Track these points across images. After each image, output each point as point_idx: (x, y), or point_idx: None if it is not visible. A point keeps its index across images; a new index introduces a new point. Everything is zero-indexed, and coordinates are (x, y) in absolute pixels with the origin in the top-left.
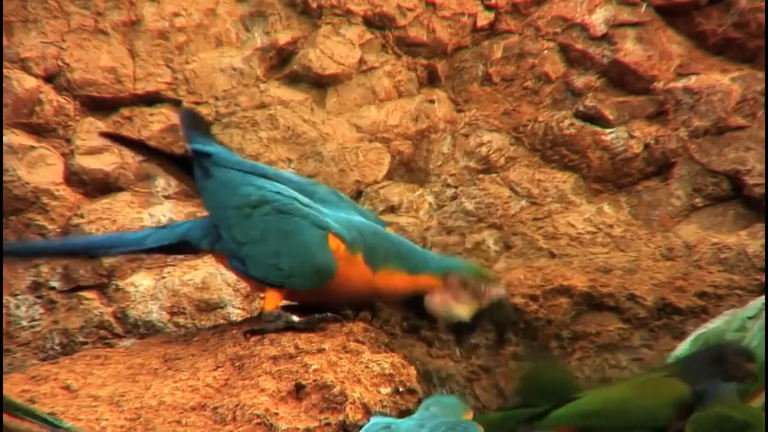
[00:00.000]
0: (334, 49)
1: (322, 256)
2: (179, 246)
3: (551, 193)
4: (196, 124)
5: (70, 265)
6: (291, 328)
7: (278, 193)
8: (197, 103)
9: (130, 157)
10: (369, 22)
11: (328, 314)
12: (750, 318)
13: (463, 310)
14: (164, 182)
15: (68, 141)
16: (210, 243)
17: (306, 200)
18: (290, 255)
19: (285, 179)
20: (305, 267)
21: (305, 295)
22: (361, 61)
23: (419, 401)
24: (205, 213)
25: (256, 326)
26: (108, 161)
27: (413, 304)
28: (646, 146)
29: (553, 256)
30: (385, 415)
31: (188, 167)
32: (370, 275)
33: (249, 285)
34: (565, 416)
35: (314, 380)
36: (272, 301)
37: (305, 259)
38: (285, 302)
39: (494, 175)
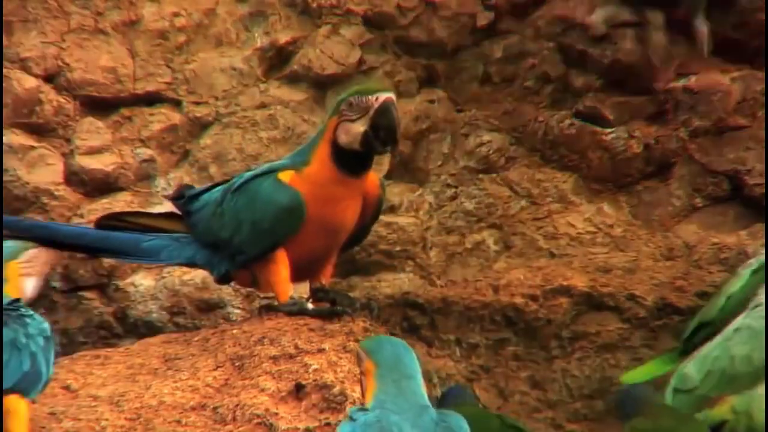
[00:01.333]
0: (333, 48)
1: (281, 194)
2: (190, 266)
3: (551, 193)
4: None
5: (70, 265)
6: (304, 312)
7: (226, 182)
8: (197, 103)
9: (130, 157)
10: (369, 22)
11: (338, 308)
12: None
13: (360, 125)
14: (164, 182)
15: (68, 141)
16: (219, 272)
17: (257, 169)
18: (263, 214)
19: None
20: (278, 213)
21: (303, 246)
22: (361, 61)
23: None
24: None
25: (277, 305)
26: (108, 161)
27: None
28: (646, 146)
29: (553, 256)
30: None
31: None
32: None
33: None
34: None
35: (314, 380)
36: (283, 292)
37: (273, 207)
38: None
39: (494, 175)
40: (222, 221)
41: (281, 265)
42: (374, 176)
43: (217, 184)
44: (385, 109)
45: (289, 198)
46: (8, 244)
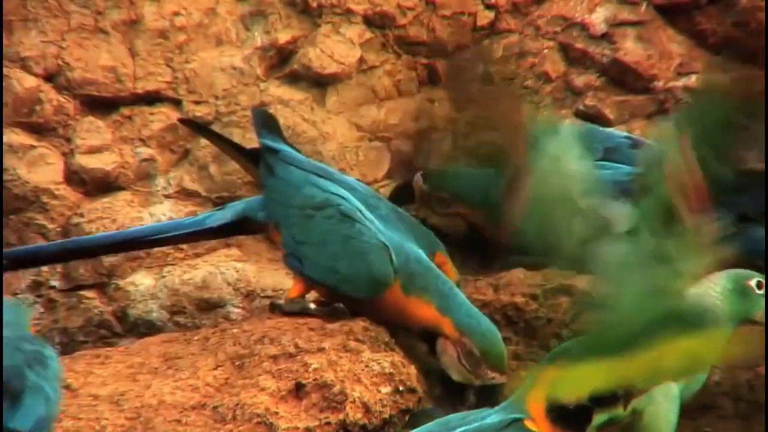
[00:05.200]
0: (334, 48)
1: (381, 266)
2: (239, 225)
3: None
4: (267, 123)
5: (69, 264)
6: (306, 312)
7: (342, 197)
8: (197, 102)
9: (131, 156)
10: (369, 21)
11: (340, 305)
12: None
13: (457, 373)
14: (164, 181)
15: (68, 140)
16: (267, 216)
17: (368, 213)
18: (349, 260)
19: (349, 185)
20: (362, 275)
21: (340, 299)
22: (361, 60)
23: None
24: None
25: (281, 303)
26: (108, 160)
27: (429, 338)
28: None
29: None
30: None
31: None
32: (403, 297)
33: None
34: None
35: (314, 379)
36: (296, 290)
37: (364, 266)
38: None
39: None
40: (305, 224)
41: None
42: (454, 273)
43: (307, 170)
44: (493, 389)
45: (382, 274)
46: None
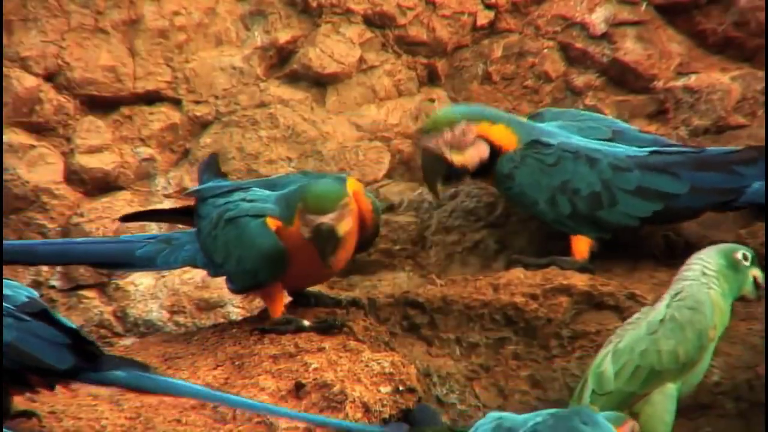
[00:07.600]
0: (334, 48)
1: (265, 241)
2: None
3: None
4: (209, 167)
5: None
6: (301, 330)
7: (228, 202)
8: (197, 102)
9: (131, 156)
10: (369, 21)
11: (336, 320)
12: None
13: (306, 232)
14: (164, 181)
15: (68, 140)
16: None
17: (255, 194)
18: (246, 255)
19: (268, 182)
20: (259, 259)
21: (293, 281)
22: (361, 60)
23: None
24: None
25: (267, 326)
26: (108, 160)
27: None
28: None
29: (553, 254)
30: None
31: None
32: (288, 229)
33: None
34: None
35: (314, 379)
36: (275, 307)
37: (255, 251)
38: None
39: None
40: (215, 244)
41: (273, 291)
42: (366, 201)
43: (232, 190)
44: (318, 231)
45: (271, 246)
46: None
